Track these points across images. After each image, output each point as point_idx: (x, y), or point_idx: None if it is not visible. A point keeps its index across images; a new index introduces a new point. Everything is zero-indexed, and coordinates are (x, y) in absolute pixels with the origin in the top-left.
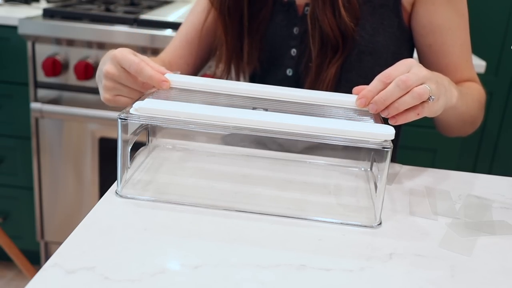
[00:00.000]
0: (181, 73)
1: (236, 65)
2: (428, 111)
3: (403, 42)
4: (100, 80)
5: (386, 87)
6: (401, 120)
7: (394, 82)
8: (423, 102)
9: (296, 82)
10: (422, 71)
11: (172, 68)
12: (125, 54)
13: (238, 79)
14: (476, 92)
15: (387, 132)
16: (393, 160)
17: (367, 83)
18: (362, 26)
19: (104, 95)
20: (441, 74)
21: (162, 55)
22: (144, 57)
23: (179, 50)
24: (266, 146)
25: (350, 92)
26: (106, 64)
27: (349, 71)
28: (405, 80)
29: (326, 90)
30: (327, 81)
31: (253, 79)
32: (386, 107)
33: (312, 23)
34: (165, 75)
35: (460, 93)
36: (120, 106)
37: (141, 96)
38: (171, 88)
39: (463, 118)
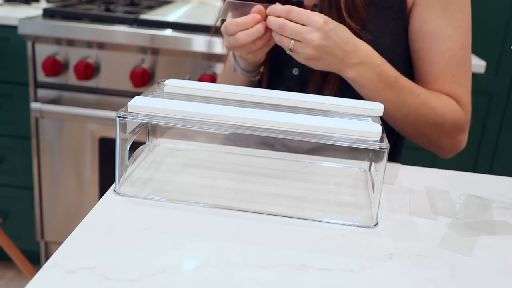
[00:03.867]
0: None
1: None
2: (299, 52)
3: (409, 45)
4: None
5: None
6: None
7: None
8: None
9: (302, 81)
10: (313, 35)
11: None
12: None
13: None
14: (441, 104)
15: (374, 130)
16: (397, 160)
17: None
18: (367, 28)
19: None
20: (377, 54)
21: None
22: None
23: None
24: (273, 147)
25: (356, 95)
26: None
27: None
28: (282, 25)
29: (332, 90)
30: (333, 81)
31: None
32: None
33: None
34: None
35: (400, 82)
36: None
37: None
38: (170, 92)
39: (399, 109)
